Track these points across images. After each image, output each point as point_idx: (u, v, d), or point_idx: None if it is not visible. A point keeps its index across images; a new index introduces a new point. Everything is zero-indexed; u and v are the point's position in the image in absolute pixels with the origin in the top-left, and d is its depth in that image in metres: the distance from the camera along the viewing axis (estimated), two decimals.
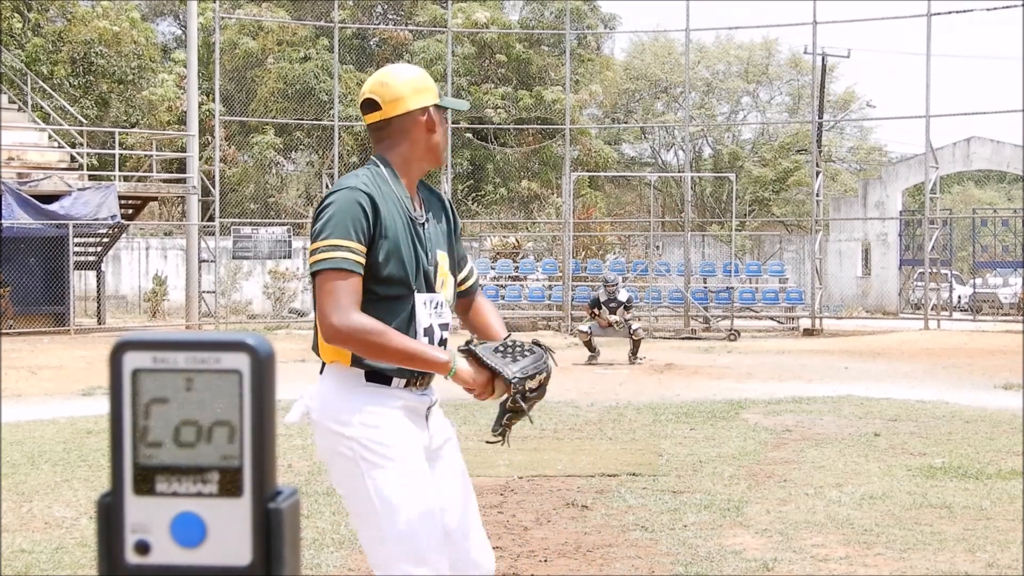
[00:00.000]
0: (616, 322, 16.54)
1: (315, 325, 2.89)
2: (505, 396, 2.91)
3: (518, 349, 2.95)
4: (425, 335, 2.90)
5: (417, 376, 2.90)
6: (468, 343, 2.95)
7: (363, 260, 2.77)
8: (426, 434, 2.95)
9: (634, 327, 16.45)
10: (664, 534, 5.77)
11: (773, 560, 5.23)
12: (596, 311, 16.76)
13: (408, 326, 2.87)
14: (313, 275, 2.77)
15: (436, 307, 2.95)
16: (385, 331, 2.73)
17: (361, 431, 2.82)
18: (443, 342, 2.97)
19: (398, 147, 2.95)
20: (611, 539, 5.71)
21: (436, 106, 2.98)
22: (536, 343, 3.02)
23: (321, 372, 2.94)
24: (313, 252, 2.78)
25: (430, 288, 2.94)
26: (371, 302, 2.80)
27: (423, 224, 2.95)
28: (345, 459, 2.83)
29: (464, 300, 3.22)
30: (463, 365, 2.82)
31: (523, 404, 2.91)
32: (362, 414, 2.83)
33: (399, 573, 2.79)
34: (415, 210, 2.95)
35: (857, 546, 5.52)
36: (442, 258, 3.01)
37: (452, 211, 3.14)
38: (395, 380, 2.87)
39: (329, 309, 2.71)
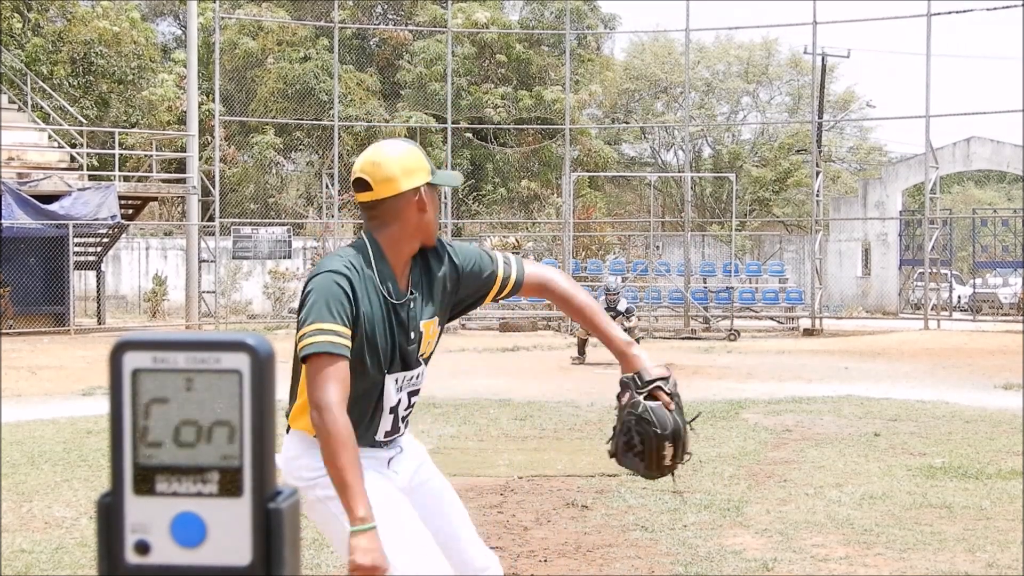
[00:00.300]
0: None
1: (291, 392, 2.93)
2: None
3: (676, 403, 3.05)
4: (391, 412, 2.92)
5: (382, 442, 2.95)
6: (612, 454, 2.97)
7: (349, 342, 2.74)
8: (393, 477, 2.98)
9: (627, 326, 16.46)
10: (664, 534, 5.77)
11: (773, 560, 5.23)
12: None
13: (374, 404, 2.90)
14: (303, 359, 2.75)
15: (409, 380, 2.97)
16: (346, 447, 2.65)
17: (319, 477, 2.79)
18: (409, 407, 2.99)
19: (388, 227, 2.90)
20: (611, 539, 5.71)
21: (428, 184, 2.93)
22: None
23: (287, 432, 2.98)
24: (301, 338, 2.75)
25: (407, 367, 2.93)
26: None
27: (405, 303, 2.92)
28: (318, 505, 2.87)
29: (526, 288, 3.16)
30: (363, 543, 2.58)
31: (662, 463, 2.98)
32: (316, 467, 2.80)
33: None
34: (400, 290, 2.92)
35: (857, 546, 5.52)
36: (427, 326, 2.98)
37: (451, 256, 3.07)
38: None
39: (320, 393, 2.68)
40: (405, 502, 2.93)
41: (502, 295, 3.14)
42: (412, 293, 2.94)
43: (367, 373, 2.84)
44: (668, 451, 2.93)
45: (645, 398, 2.97)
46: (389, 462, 3.00)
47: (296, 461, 2.91)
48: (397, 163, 2.88)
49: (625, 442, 2.93)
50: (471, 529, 3.09)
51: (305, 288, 2.84)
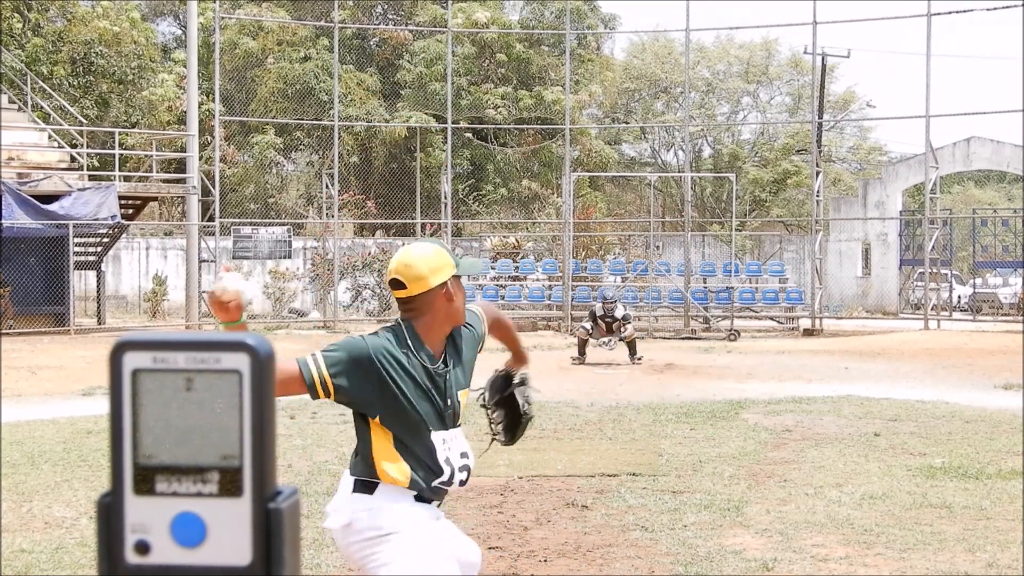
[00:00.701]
0: (608, 341, 16.56)
1: (368, 452, 3.28)
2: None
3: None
4: (447, 463, 3.28)
5: (438, 488, 3.32)
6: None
7: (320, 380, 3.12)
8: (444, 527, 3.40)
9: (623, 336, 16.49)
10: (664, 534, 5.77)
11: (773, 560, 5.23)
12: (593, 326, 16.76)
13: (430, 459, 3.26)
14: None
15: (451, 440, 3.34)
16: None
17: (367, 521, 3.22)
18: (464, 469, 3.37)
19: (422, 317, 3.30)
20: (611, 539, 5.71)
21: (455, 277, 3.34)
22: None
23: (375, 487, 3.29)
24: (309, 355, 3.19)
25: (445, 426, 3.31)
26: (399, 447, 3.22)
27: (442, 373, 3.31)
28: (360, 548, 3.23)
29: (493, 324, 3.81)
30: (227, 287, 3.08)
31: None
32: (375, 512, 3.24)
33: None
34: (435, 362, 3.31)
35: (857, 546, 5.51)
36: (463, 395, 3.41)
37: (468, 329, 3.50)
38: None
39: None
40: (448, 543, 3.31)
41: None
42: (446, 366, 3.35)
43: (415, 431, 3.24)
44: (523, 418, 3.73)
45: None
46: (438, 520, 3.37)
47: (372, 512, 3.23)
48: (425, 263, 3.30)
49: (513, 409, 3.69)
50: None
51: (342, 339, 3.29)
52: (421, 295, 3.28)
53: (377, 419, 3.21)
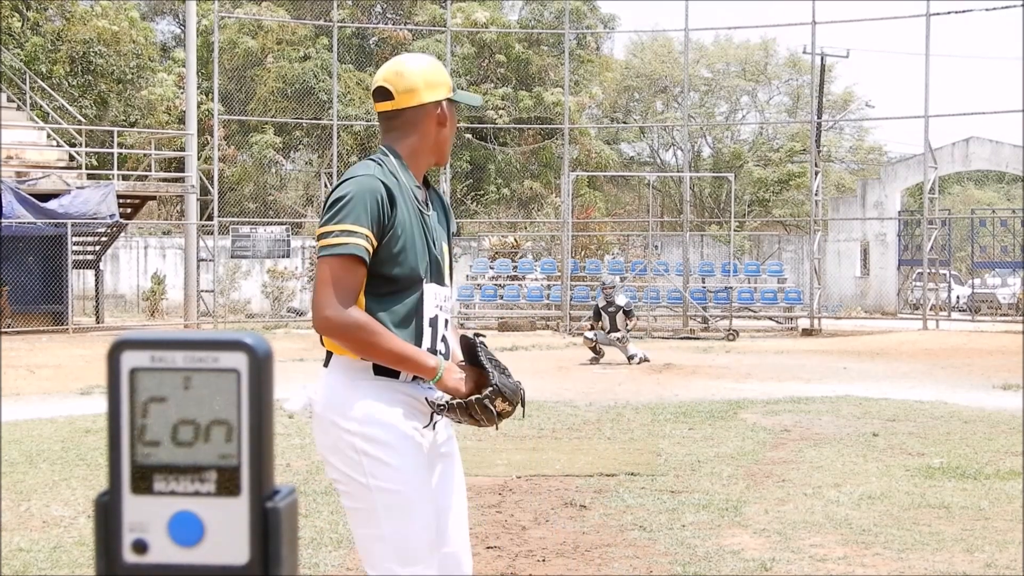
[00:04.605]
0: (619, 338, 16.39)
1: None
2: (476, 396, 2.85)
3: (507, 370, 2.95)
4: (430, 326, 2.88)
5: None
6: (477, 335, 2.96)
7: (371, 251, 2.74)
8: (430, 432, 2.93)
9: (629, 326, 16.46)
10: (662, 534, 5.77)
11: (771, 560, 5.24)
12: (597, 321, 16.66)
13: (415, 316, 2.85)
14: (320, 258, 2.74)
15: (444, 299, 2.95)
16: (377, 330, 2.70)
17: (365, 428, 2.79)
18: (445, 327, 2.97)
19: (407, 138, 2.91)
20: (609, 539, 5.71)
21: (449, 100, 2.95)
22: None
23: (327, 364, 2.90)
24: (324, 235, 2.72)
25: (438, 279, 2.93)
26: (381, 294, 2.80)
27: (429, 215, 2.93)
28: (346, 456, 2.80)
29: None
30: (448, 375, 2.79)
31: (484, 411, 2.84)
32: (367, 410, 2.80)
33: (389, 573, 2.79)
34: (422, 201, 2.93)
35: (855, 546, 5.52)
36: (445, 250, 3.00)
37: (449, 212, 3.11)
38: (403, 374, 2.84)
39: (325, 298, 2.68)
40: (425, 469, 2.89)
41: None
42: (430, 208, 2.95)
43: (408, 280, 2.82)
44: (500, 403, 2.87)
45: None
46: (427, 401, 2.90)
47: (337, 398, 2.82)
48: (420, 75, 2.90)
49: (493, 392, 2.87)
50: (465, 525, 3.06)
51: (339, 187, 2.80)
52: (410, 109, 2.89)
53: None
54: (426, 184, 3.03)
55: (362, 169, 2.84)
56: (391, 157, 2.89)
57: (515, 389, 2.89)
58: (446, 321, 2.99)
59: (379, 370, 2.83)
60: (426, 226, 2.89)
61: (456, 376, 2.83)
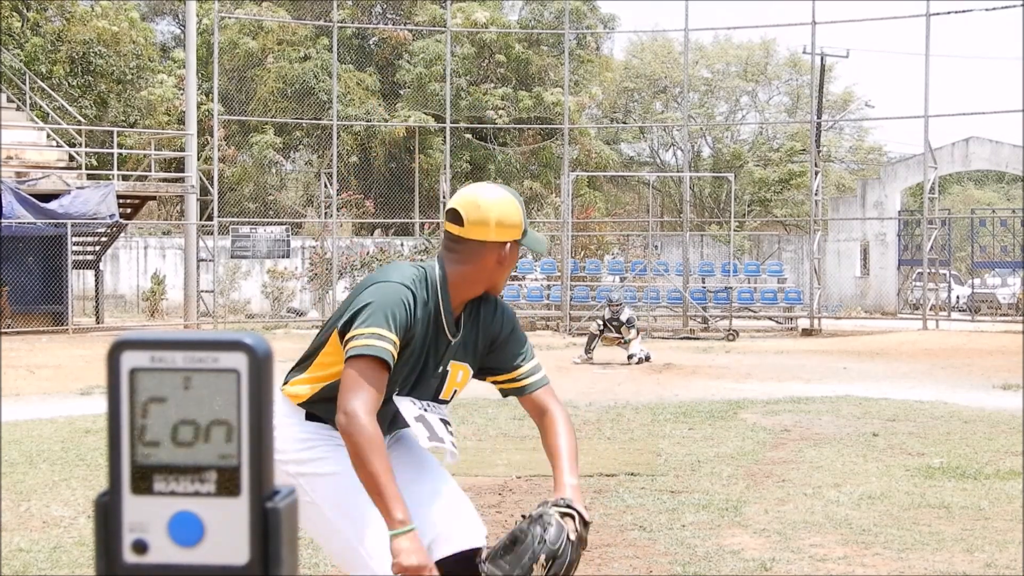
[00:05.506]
0: (622, 340, 16.51)
1: (300, 363, 2.96)
2: None
3: (532, 539, 2.83)
4: (418, 421, 2.89)
5: None
6: (484, 558, 2.85)
7: (395, 357, 2.75)
8: None
9: (628, 338, 16.51)
10: (662, 534, 5.77)
11: (771, 560, 5.24)
12: (602, 330, 16.74)
13: (392, 417, 2.89)
14: (352, 358, 2.73)
15: (426, 405, 2.96)
16: (380, 454, 2.67)
17: (294, 454, 2.86)
18: (445, 422, 2.98)
19: (463, 266, 2.89)
20: (609, 539, 5.71)
21: (515, 242, 2.92)
22: (568, 512, 2.96)
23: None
24: (357, 336, 2.73)
25: (425, 395, 2.94)
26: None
27: (448, 342, 2.92)
28: (289, 480, 2.82)
29: (527, 400, 3.09)
30: (404, 544, 2.60)
31: None
32: (293, 437, 2.89)
33: (374, 574, 2.79)
34: (448, 327, 2.92)
35: (855, 546, 5.52)
36: (457, 368, 2.98)
37: (501, 316, 3.04)
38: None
39: (351, 397, 2.68)
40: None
41: (501, 385, 3.09)
42: (459, 332, 2.94)
43: (390, 385, 2.83)
44: (540, 569, 2.79)
45: (560, 515, 2.94)
46: None
47: (279, 429, 2.82)
48: (495, 212, 2.87)
49: (509, 542, 2.82)
50: (447, 501, 3.02)
51: (365, 286, 2.84)
52: (474, 241, 2.86)
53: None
54: (478, 298, 2.99)
55: (397, 273, 2.87)
56: (437, 275, 2.89)
57: (560, 550, 2.87)
58: (446, 422, 2.99)
59: (310, 416, 2.92)
60: (434, 348, 2.90)
61: (414, 558, 2.60)
